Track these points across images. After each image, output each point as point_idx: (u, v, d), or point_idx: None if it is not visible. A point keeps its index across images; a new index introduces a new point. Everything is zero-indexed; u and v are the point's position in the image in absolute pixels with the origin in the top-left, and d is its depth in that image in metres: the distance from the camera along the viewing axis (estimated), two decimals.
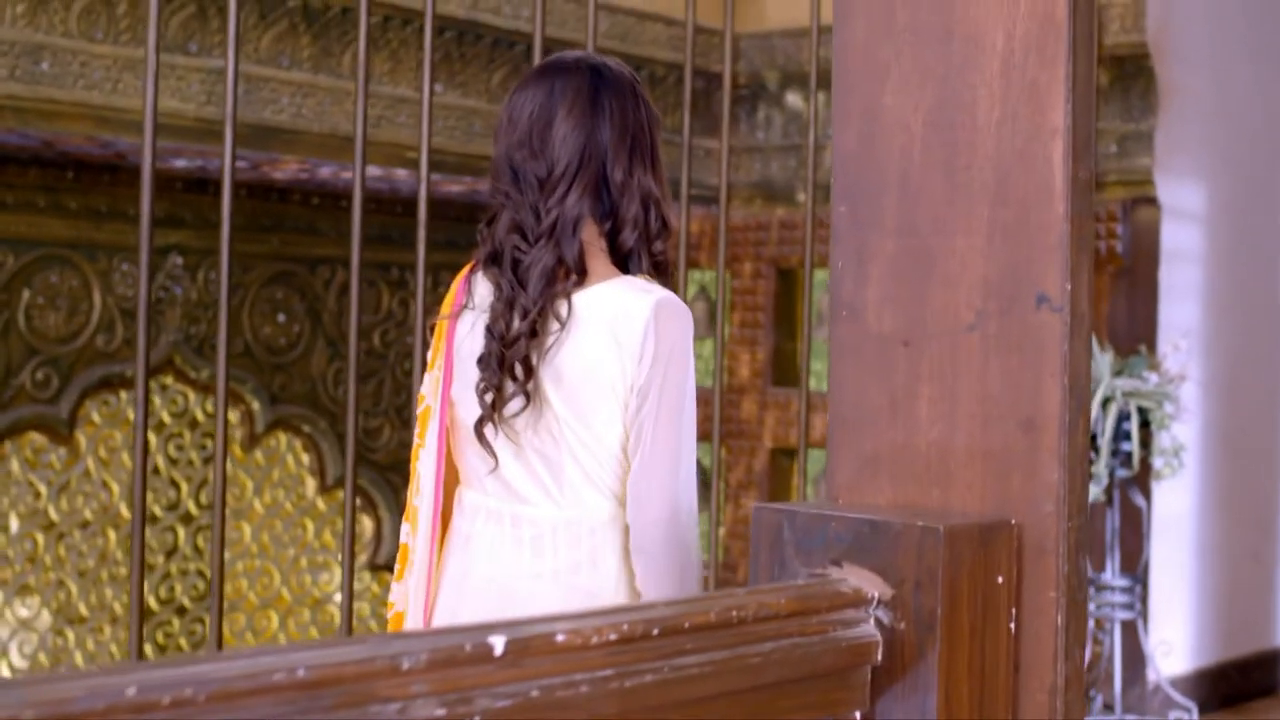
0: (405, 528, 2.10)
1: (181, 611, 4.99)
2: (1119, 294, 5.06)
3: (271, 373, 5.13)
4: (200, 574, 5.00)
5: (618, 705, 1.06)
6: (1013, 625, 1.33)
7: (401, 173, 4.72)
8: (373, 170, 4.61)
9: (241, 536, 5.13)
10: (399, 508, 5.17)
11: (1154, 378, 4.56)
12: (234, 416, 5.04)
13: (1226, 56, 5.44)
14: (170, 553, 4.95)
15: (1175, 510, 5.15)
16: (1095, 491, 4.46)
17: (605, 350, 1.92)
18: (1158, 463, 4.69)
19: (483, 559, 2.02)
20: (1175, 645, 5.08)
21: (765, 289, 5.64)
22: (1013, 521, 1.33)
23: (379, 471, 5.37)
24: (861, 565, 1.30)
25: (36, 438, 4.65)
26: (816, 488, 5.31)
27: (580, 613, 1.10)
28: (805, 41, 4.87)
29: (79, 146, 4.27)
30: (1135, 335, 5.00)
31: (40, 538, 4.66)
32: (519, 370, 1.94)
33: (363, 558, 5.36)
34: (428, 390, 2.09)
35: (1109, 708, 4.76)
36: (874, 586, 1.28)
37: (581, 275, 1.96)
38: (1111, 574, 4.69)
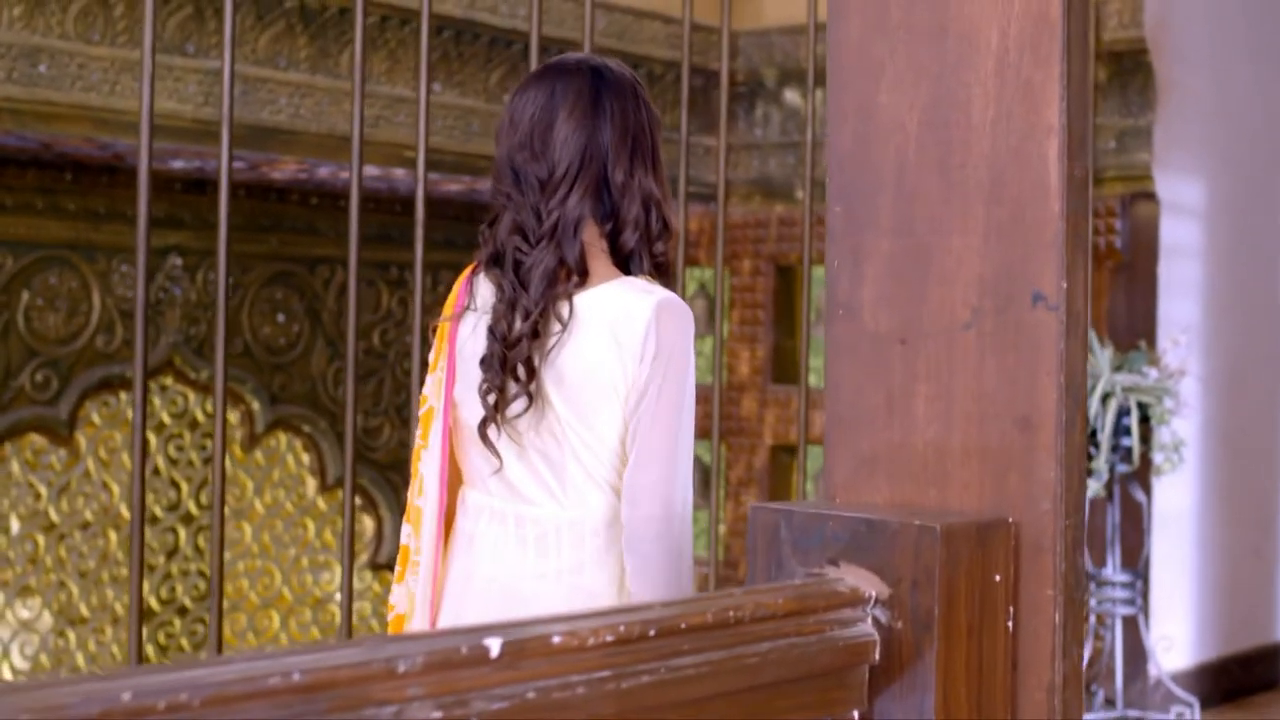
0: (406, 529, 2.10)
1: (183, 612, 5.00)
2: (1118, 289, 5.06)
3: (271, 373, 5.13)
4: (201, 574, 5.01)
5: (615, 706, 1.06)
6: (1010, 624, 1.33)
7: (400, 172, 4.72)
8: (371, 170, 4.61)
9: (242, 537, 5.13)
10: (400, 507, 5.17)
11: (1154, 373, 4.56)
12: (234, 417, 5.04)
13: (1226, 55, 5.43)
14: (171, 553, 4.95)
15: (1176, 505, 5.15)
16: (1095, 487, 4.46)
17: (606, 351, 1.93)
18: (1158, 458, 4.68)
19: (487, 559, 2.02)
20: (1176, 640, 5.08)
21: (764, 286, 5.64)
22: (1010, 520, 1.33)
23: (379, 471, 5.38)
24: (859, 564, 1.30)
25: (36, 439, 4.65)
26: (816, 485, 5.31)
27: (576, 614, 1.10)
28: (803, 38, 4.87)
29: (77, 148, 4.27)
30: (1135, 330, 5.00)
31: (41, 539, 4.67)
32: (521, 371, 1.95)
33: (363, 557, 5.36)
34: (430, 392, 2.09)
35: (1111, 703, 4.76)
36: (871, 586, 1.28)
37: (583, 276, 1.96)
38: (1112, 569, 4.69)
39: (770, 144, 5.69)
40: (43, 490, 4.67)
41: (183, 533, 4.98)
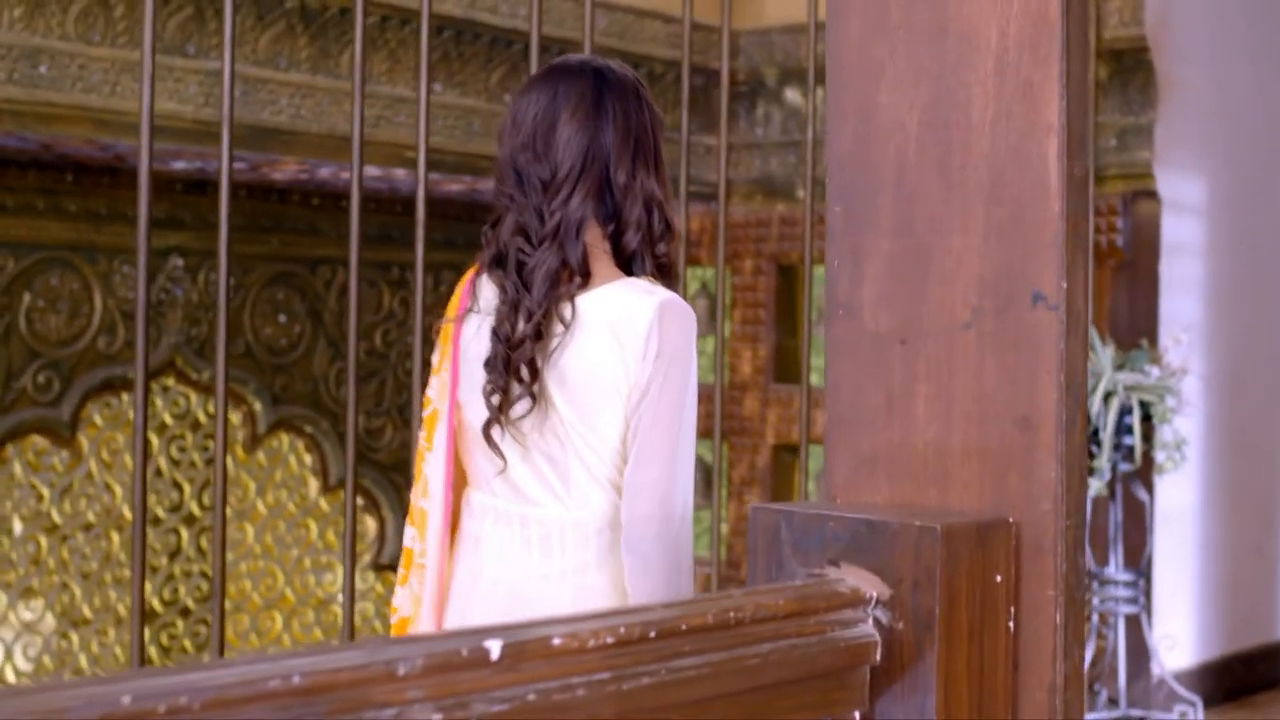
0: (409, 531, 2.10)
1: (186, 613, 5.00)
2: (1120, 287, 5.06)
3: (273, 373, 5.13)
4: (204, 575, 5.01)
5: (615, 708, 1.06)
6: (1011, 624, 1.33)
7: (401, 172, 4.72)
8: (372, 170, 4.61)
9: (245, 537, 5.13)
10: (402, 508, 5.17)
11: (1155, 371, 4.55)
12: (236, 417, 5.05)
13: (1226, 53, 5.43)
14: (174, 554, 4.95)
15: (1178, 504, 5.15)
16: (1098, 486, 4.46)
17: (609, 352, 1.93)
18: (1160, 456, 4.68)
19: (492, 560, 2.03)
20: (1179, 639, 5.08)
21: (766, 285, 5.64)
22: (1010, 520, 1.33)
23: (382, 471, 5.38)
24: (859, 565, 1.30)
25: (38, 440, 4.65)
26: (819, 484, 5.31)
27: (577, 616, 1.10)
28: (803, 38, 4.87)
29: (78, 149, 4.28)
30: (1136, 329, 5.00)
31: (43, 540, 4.67)
32: (524, 372, 1.95)
33: (366, 558, 5.36)
34: (434, 394, 2.09)
35: (1114, 702, 4.76)
36: (872, 586, 1.28)
37: (585, 277, 1.96)
38: (1115, 568, 4.69)
39: (771, 143, 5.69)
40: (45, 492, 4.67)
41: (185, 534, 4.98)
